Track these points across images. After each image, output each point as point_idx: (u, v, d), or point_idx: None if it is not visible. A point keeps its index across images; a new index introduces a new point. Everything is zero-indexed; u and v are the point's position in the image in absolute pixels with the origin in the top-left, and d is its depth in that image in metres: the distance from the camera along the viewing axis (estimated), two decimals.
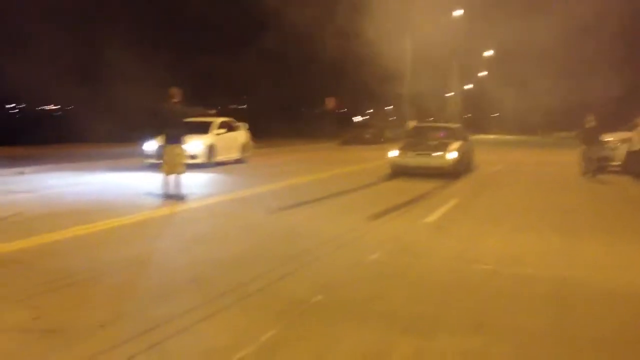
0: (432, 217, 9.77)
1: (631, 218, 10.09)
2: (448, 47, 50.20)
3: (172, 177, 11.11)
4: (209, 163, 18.33)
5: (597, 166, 16.64)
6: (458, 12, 49.45)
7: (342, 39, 39.62)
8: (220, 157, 19.12)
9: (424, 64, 49.11)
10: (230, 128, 20.37)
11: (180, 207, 10.51)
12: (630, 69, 32.08)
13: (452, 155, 15.77)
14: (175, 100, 11.16)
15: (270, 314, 4.86)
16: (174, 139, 11.15)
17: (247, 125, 21.60)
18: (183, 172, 11.25)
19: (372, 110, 69.01)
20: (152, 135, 18.36)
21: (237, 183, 14.75)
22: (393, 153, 16.45)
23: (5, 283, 5.69)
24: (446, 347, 4.23)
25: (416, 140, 17.14)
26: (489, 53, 65.54)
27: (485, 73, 74.78)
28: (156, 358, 4.02)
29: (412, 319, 4.81)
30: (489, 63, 69.21)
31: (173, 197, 11.02)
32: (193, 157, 17.03)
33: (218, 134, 19.25)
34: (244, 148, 20.97)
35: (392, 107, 71.31)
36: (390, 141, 39.08)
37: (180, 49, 33.26)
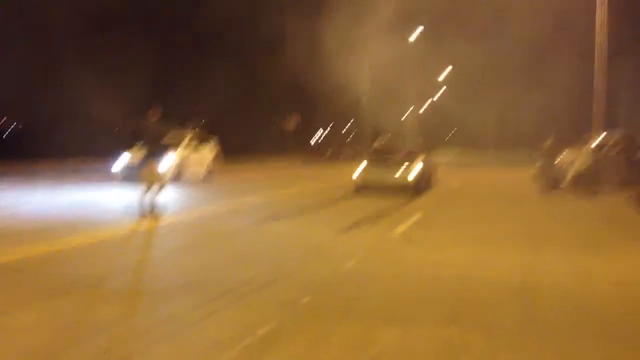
0: (400, 229, 10.42)
1: (582, 230, 10.92)
2: (405, 66, 51.54)
3: (150, 192, 11.50)
4: (179, 179, 18.72)
5: (553, 183, 17.71)
6: (416, 32, 50.94)
7: (302, 57, 40.43)
8: (189, 173, 19.52)
9: (382, 82, 50.37)
10: (200, 143, 20.77)
11: (160, 220, 10.94)
12: (580, 86, 33.68)
13: (414, 172, 16.52)
14: (154, 118, 11.61)
15: (265, 313, 5.39)
16: (152, 155, 11.57)
17: (215, 141, 22.02)
18: (162, 187, 11.67)
19: (327, 129, 69.98)
20: (121, 151, 18.77)
21: (209, 198, 15.21)
22: (358, 170, 17.12)
23: (16, 287, 6.12)
24: (428, 335, 4.85)
25: (380, 158, 17.85)
26: (445, 73, 67.30)
27: (442, 90, 76.63)
28: (172, 347, 4.53)
29: (393, 314, 5.41)
30: (444, 83, 71.02)
31: (152, 211, 11.40)
32: None
33: (188, 150, 19.66)
34: (213, 164, 21.40)
35: (350, 123, 72.50)
36: (350, 158, 40.05)
37: (141, 68, 33.62)
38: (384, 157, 18.05)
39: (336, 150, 41.89)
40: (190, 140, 20.08)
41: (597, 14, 24.86)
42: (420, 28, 50.22)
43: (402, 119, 71.47)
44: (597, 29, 24.68)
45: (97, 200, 14.33)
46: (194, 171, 19.88)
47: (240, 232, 9.91)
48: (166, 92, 37.82)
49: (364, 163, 17.66)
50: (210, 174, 21.04)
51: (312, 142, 54.10)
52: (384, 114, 53.85)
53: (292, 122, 43.90)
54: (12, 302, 5.61)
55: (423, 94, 73.07)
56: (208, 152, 21.33)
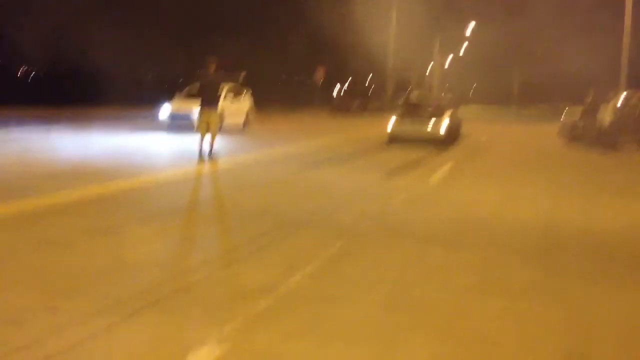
0: (435, 176, 11.53)
1: (602, 181, 11.96)
2: (431, 18, 51.63)
3: (208, 138, 12.59)
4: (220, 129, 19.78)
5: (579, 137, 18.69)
6: None
7: (326, 12, 40.85)
8: (227, 122, 20.56)
9: (406, 34, 50.65)
10: (236, 94, 21.75)
11: (218, 163, 12.11)
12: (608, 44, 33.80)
13: (445, 124, 17.50)
14: (212, 67, 12.65)
15: (332, 235, 6.53)
16: (210, 103, 12.63)
17: (250, 91, 22.97)
18: (217, 133, 12.78)
19: (345, 83, 70.38)
20: (164, 100, 19.96)
21: (254, 145, 16.32)
22: (391, 122, 18.11)
23: (122, 211, 7.39)
24: (470, 255, 5.98)
25: (411, 110, 18.81)
26: (470, 25, 66.96)
27: (465, 45, 76.26)
28: (272, 254, 5.73)
29: (439, 240, 6.55)
30: (470, 35, 70.65)
31: (209, 155, 12.52)
32: None
33: (226, 100, 20.65)
34: (249, 113, 22.41)
35: (371, 76, 72.71)
36: (376, 110, 40.80)
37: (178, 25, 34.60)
38: (415, 110, 18.99)
39: (362, 103, 42.60)
40: (227, 92, 20.96)
41: None
42: None
43: (426, 73, 71.61)
44: None
45: (153, 145, 15.54)
46: (232, 121, 20.90)
47: (290, 177, 10.99)
48: (196, 45, 38.70)
49: (396, 116, 18.62)
50: (247, 124, 22.08)
51: (335, 94, 54.54)
52: (406, 68, 54.27)
53: (320, 74, 44.54)
54: (126, 220, 6.83)
55: (446, 48, 72.83)
56: (244, 103, 22.30)
